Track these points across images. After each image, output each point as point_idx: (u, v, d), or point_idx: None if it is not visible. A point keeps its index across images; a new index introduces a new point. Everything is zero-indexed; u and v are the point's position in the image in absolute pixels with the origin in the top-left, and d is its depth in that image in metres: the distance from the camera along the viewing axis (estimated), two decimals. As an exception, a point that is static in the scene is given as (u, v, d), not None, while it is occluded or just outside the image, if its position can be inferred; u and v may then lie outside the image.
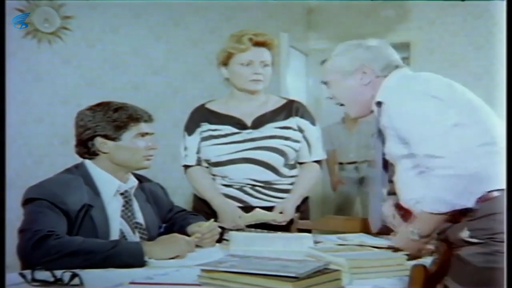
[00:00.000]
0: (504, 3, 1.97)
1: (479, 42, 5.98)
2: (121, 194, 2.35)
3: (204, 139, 2.95)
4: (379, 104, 2.21)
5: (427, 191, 2.03)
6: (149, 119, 2.39)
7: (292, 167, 2.96)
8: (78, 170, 2.32)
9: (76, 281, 1.75)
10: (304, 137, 2.97)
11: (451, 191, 1.98)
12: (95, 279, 1.84)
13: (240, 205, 2.88)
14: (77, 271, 1.78)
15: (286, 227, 2.82)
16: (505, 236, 1.85)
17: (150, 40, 5.38)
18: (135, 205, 2.39)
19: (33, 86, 4.63)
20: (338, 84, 2.31)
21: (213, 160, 2.91)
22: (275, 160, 2.89)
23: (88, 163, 2.34)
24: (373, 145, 2.35)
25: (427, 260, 2.03)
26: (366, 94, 2.26)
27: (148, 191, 2.50)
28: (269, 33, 2.99)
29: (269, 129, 2.92)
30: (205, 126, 2.96)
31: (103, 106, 2.34)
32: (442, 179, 1.98)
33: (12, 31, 4.13)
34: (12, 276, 1.81)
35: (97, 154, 2.33)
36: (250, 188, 2.89)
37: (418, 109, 2.05)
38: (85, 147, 2.33)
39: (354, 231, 2.77)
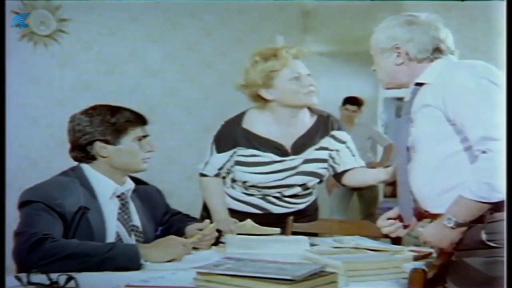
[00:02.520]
0: (504, 3, 1.96)
1: (475, 45, 5.98)
2: (118, 196, 2.34)
3: (241, 163, 2.84)
4: (419, 84, 2.13)
5: (476, 177, 1.91)
6: (144, 121, 2.39)
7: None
8: (75, 173, 2.31)
9: (72, 284, 1.74)
10: (348, 147, 2.92)
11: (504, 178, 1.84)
12: (91, 282, 1.84)
13: (261, 212, 2.88)
14: (73, 274, 1.77)
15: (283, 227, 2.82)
16: (505, 239, 1.82)
17: (146, 42, 5.39)
18: (132, 208, 2.39)
19: (29, 89, 4.64)
20: (376, 58, 2.26)
21: (250, 184, 2.86)
22: (310, 181, 2.88)
23: (84, 165, 2.33)
24: (398, 130, 2.22)
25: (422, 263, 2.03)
26: (400, 74, 2.18)
27: (144, 194, 2.49)
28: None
29: (309, 152, 2.85)
30: (243, 150, 2.84)
31: (99, 110, 2.32)
32: (496, 164, 1.86)
33: (8, 34, 4.13)
34: (8, 279, 1.81)
35: (95, 158, 2.32)
36: (273, 197, 2.88)
37: (476, 90, 1.96)
38: (83, 152, 2.31)
39: (350, 233, 2.77)
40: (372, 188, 6.47)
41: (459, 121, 1.98)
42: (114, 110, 2.33)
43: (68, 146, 2.37)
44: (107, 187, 2.31)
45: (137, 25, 5.33)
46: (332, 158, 2.90)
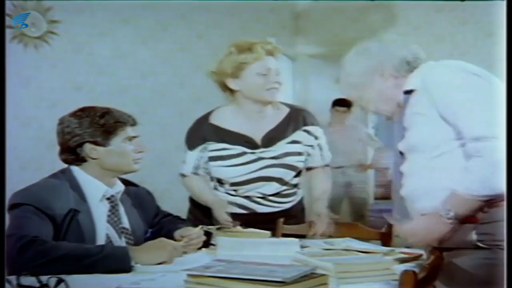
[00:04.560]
0: (504, 3, 1.97)
1: (465, 48, 6.01)
2: (108, 199, 2.34)
3: (213, 159, 2.90)
4: (408, 92, 2.16)
5: (468, 174, 1.94)
6: (134, 122, 2.39)
7: (297, 175, 2.97)
8: (64, 175, 2.31)
9: (62, 286, 1.74)
10: (319, 144, 3.00)
11: (499, 175, 1.86)
12: (81, 284, 1.83)
13: (246, 212, 2.90)
14: (63, 276, 1.77)
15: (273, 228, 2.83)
16: (505, 238, 1.82)
17: (137, 44, 5.39)
18: (122, 210, 2.39)
19: (20, 90, 4.62)
20: (364, 91, 2.27)
21: (230, 181, 2.90)
22: (288, 175, 2.91)
23: (74, 168, 2.33)
24: (394, 136, 2.27)
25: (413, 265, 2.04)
26: (392, 94, 2.22)
27: (135, 195, 2.49)
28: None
29: (281, 146, 2.89)
30: (213, 145, 2.90)
31: (88, 112, 2.32)
32: (492, 162, 1.89)
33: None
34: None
35: (85, 160, 2.32)
36: (256, 196, 2.90)
37: (461, 85, 1.99)
38: (73, 154, 2.31)
39: (340, 235, 2.78)
40: (362, 190, 6.50)
41: (453, 120, 2.00)
42: (103, 111, 2.33)
43: (58, 148, 2.36)
44: (97, 190, 2.31)
45: (128, 27, 5.33)
46: (308, 153, 2.97)
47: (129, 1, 5.23)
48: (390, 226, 2.76)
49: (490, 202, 1.94)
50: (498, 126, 1.89)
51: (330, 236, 2.81)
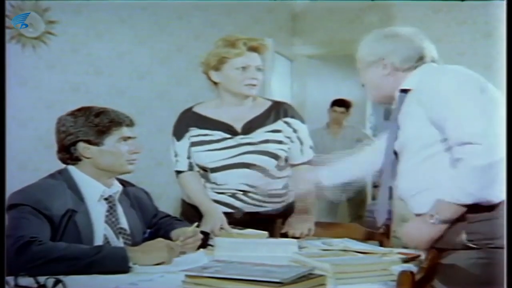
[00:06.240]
0: (504, 3, 1.98)
1: (463, 48, 6.02)
2: (105, 199, 2.34)
3: (195, 144, 2.94)
4: (404, 91, 2.19)
5: (453, 181, 1.97)
6: (130, 123, 2.39)
7: (282, 168, 2.97)
8: (62, 175, 2.31)
9: (59, 287, 1.74)
10: (298, 137, 2.99)
11: (478, 182, 1.92)
12: (79, 285, 1.83)
13: (233, 211, 2.89)
14: (60, 277, 1.76)
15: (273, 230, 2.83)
16: (505, 239, 1.83)
17: (134, 45, 5.38)
18: (119, 210, 2.39)
19: (17, 91, 4.61)
20: (362, 72, 2.32)
21: (210, 166, 2.91)
22: (269, 163, 2.91)
23: (71, 168, 2.33)
24: (387, 135, 2.30)
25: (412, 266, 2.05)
26: (386, 84, 2.25)
27: (133, 196, 2.49)
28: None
29: (260, 134, 2.92)
30: (195, 130, 2.95)
31: (84, 111, 2.33)
32: (473, 169, 1.92)
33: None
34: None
35: (80, 160, 2.32)
36: (243, 194, 2.90)
37: (457, 94, 2.01)
38: (67, 153, 2.32)
39: (338, 236, 2.78)
40: (360, 191, 6.49)
41: (442, 124, 2.02)
42: (99, 111, 2.33)
43: (55, 148, 2.36)
44: (94, 190, 2.31)
45: (125, 27, 5.32)
46: (287, 144, 2.97)
47: (126, 1, 5.23)
48: (388, 227, 2.76)
49: (475, 207, 1.97)
50: (486, 133, 1.91)
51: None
